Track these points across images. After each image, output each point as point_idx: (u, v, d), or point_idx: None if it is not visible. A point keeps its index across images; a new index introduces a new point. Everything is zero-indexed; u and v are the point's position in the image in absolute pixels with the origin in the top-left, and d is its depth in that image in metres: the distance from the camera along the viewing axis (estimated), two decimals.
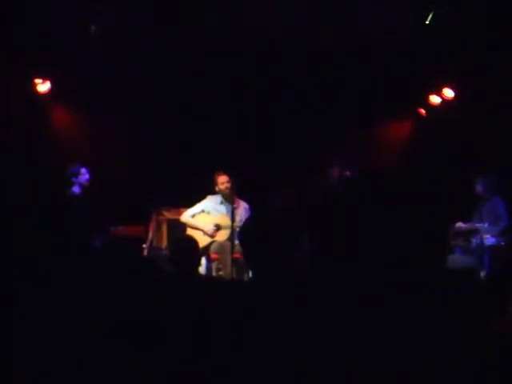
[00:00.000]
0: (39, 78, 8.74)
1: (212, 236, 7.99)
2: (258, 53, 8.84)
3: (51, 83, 8.80)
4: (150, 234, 8.39)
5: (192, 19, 8.08)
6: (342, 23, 8.03)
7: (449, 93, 9.22)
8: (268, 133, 9.24)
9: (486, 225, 7.80)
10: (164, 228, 8.56)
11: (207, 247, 7.91)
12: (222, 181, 8.04)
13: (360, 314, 1.35)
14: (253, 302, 2.15)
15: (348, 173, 8.14)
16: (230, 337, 1.84)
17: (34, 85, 8.74)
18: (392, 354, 1.31)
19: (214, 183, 8.12)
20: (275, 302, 2.01)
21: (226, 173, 8.07)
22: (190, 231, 7.96)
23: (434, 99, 9.47)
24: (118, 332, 2.13)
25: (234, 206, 7.89)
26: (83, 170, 8.20)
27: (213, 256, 7.98)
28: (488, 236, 7.69)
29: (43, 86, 8.79)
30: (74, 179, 8.13)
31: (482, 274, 7.30)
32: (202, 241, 7.64)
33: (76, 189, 8.14)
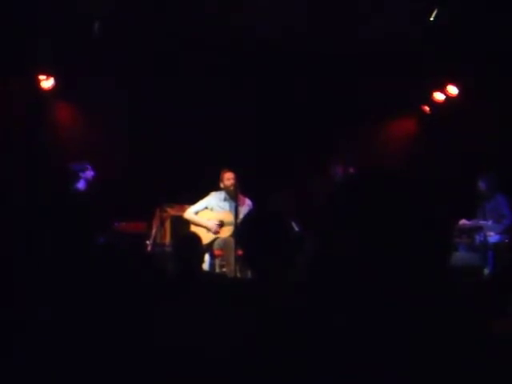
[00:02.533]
0: (43, 74, 8.75)
1: (215, 232, 8.00)
2: (260, 53, 8.83)
3: (55, 80, 8.81)
4: (154, 231, 8.39)
5: (193, 17, 8.08)
6: (345, 22, 8.02)
7: (452, 90, 9.21)
8: (271, 130, 9.24)
9: (489, 222, 7.81)
10: (167, 224, 8.56)
11: (211, 244, 7.92)
12: (228, 177, 8.04)
13: (360, 314, 1.35)
14: (253, 301, 2.15)
15: (352, 170, 8.14)
16: (231, 335, 1.84)
17: (38, 81, 8.75)
18: (392, 354, 1.31)
19: (219, 179, 8.13)
20: (275, 302, 2.01)
21: (231, 170, 8.08)
22: (193, 228, 7.96)
23: (438, 96, 9.46)
24: (119, 329, 2.13)
25: (238, 203, 7.91)
26: (89, 167, 8.22)
27: (216, 253, 7.98)
28: (492, 233, 7.70)
29: (47, 83, 8.80)
30: (81, 174, 8.15)
31: (486, 271, 7.31)
32: (206, 237, 7.64)
33: (81, 184, 8.15)
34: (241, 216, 7.63)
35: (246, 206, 8.03)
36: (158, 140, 9.09)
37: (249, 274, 7.36)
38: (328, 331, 1.37)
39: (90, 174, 8.20)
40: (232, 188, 8.00)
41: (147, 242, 8.21)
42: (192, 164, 8.90)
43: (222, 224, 8.04)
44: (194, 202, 8.24)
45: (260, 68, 8.96)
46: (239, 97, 9.09)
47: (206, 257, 7.68)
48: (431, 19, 7.84)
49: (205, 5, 7.91)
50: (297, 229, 7.19)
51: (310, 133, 9.29)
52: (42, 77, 8.74)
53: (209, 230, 8.00)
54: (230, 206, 8.07)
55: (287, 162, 9.16)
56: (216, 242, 7.98)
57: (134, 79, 8.80)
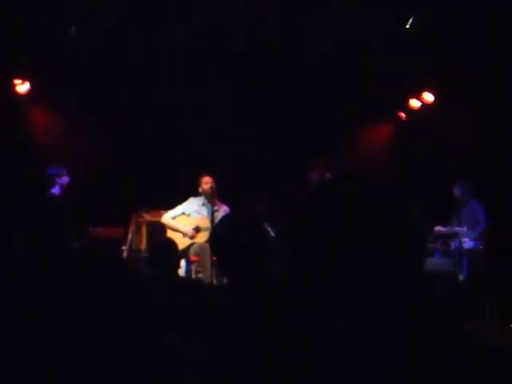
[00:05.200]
0: (18, 78, 8.67)
1: (191, 238, 7.99)
2: (251, 53, 8.81)
3: (30, 84, 8.73)
4: (130, 236, 8.36)
5: (178, 16, 8.03)
6: (322, 26, 8.04)
7: (428, 97, 9.28)
8: (248, 137, 9.23)
9: (464, 228, 7.85)
10: (143, 230, 8.54)
11: (187, 249, 7.90)
12: (206, 181, 8.07)
13: (338, 320, 1.35)
14: (229, 307, 2.14)
15: (328, 175, 8.15)
16: (208, 339, 1.83)
17: (13, 85, 8.68)
18: (371, 359, 1.31)
19: (198, 184, 8.14)
20: (252, 306, 2.00)
21: (209, 174, 8.10)
22: (169, 233, 7.95)
23: (414, 103, 9.53)
24: (95, 335, 2.12)
25: (215, 208, 7.92)
26: (64, 172, 8.16)
27: (192, 258, 7.97)
28: (467, 239, 7.74)
29: (22, 87, 8.73)
30: (56, 179, 8.09)
31: (461, 277, 7.36)
32: (182, 243, 7.62)
33: (56, 190, 8.09)
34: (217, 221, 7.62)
35: (223, 211, 8.02)
36: (136, 145, 9.05)
37: (225, 279, 7.38)
38: (304, 336, 1.37)
39: (65, 179, 8.14)
40: (210, 192, 8.02)
41: (123, 248, 8.17)
42: (169, 169, 8.87)
43: (197, 229, 8.04)
44: (170, 207, 8.23)
45: (246, 70, 8.93)
46: (217, 102, 9.09)
47: (182, 262, 7.66)
48: (407, 26, 7.90)
49: (204, 5, 7.86)
50: (272, 233, 7.20)
51: (288, 139, 9.29)
52: (17, 81, 8.67)
53: (185, 235, 7.99)
54: (208, 212, 8.08)
55: (265, 167, 9.16)
56: (192, 248, 7.97)
57: (109, 83, 8.76)
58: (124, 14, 7.90)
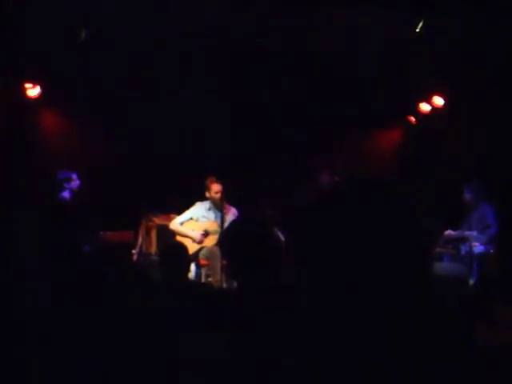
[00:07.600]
0: (29, 82, 8.70)
1: (200, 242, 8.00)
2: (247, 53, 8.81)
3: (41, 88, 8.76)
4: (140, 240, 8.37)
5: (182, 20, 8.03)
6: (332, 28, 8.03)
7: (438, 101, 9.25)
8: (256, 140, 9.23)
9: (475, 233, 7.81)
10: (153, 234, 8.55)
11: (197, 253, 7.91)
12: (216, 190, 8.01)
13: (344, 325, 1.35)
14: (239, 310, 2.14)
15: (337, 179, 8.14)
16: (218, 342, 1.83)
17: (24, 89, 8.70)
18: (376, 368, 1.31)
19: (206, 188, 8.11)
20: (262, 310, 2.00)
21: (219, 181, 8.05)
22: (179, 238, 7.95)
23: (424, 107, 9.51)
24: (106, 337, 2.12)
25: (224, 211, 7.91)
26: (74, 176, 8.17)
27: (202, 262, 7.98)
28: (477, 244, 7.70)
29: (33, 91, 8.75)
30: (65, 185, 8.10)
31: (471, 281, 7.33)
32: (192, 247, 7.63)
33: (66, 194, 8.11)
34: (226, 225, 7.63)
35: (232, 214, 8.02)
36: (144, 149, 9.06)
37: (235, 283, 7.37)
38: (310, 340, 1.37)
39: (75, 183, 8.16)
40: (218, 200, 7.99)
41: (133, 251, 8.19)
42: (178, 172, 8.87)
43: (206, 233, 8.04)
44: (180, 211, 8.23)
45: (248, 74, 8.93)
46: (219, 104, 9.09)
47: (192, 266, 7.67)
48: (417, 30, 7.88)
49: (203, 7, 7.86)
50: (282, 237, 7.19)
51: (297, 142, 9.28)
52: (28, 85, 8.70)
53: (194, 240, 7.99)
54: (215, 216, 8.08)
55: (274, 170, 9.15)
56: (202, 252, 7.98)
57: (120, 87, 8.78)
58: (134, 19, 7.91)
